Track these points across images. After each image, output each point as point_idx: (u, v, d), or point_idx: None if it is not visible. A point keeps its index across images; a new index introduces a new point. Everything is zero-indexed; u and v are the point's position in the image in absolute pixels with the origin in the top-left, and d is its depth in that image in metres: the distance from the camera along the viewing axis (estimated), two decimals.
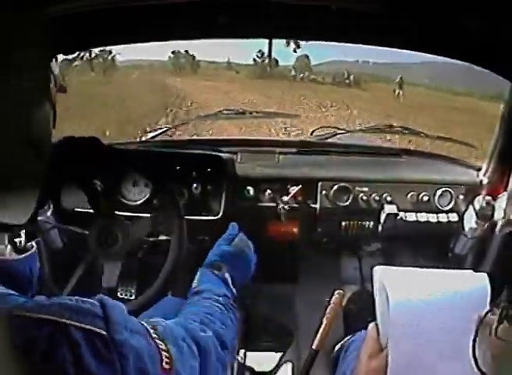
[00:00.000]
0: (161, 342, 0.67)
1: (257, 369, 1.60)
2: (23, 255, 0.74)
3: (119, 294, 1.73)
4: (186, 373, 0.71)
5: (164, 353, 0.66)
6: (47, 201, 1.42)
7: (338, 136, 1.83)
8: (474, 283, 0.86)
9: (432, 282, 0.87)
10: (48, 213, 1.42)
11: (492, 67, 1.21)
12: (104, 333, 0.56)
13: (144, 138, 1.90)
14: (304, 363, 1.09)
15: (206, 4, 1.03)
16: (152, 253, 1.34)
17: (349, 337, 1.31)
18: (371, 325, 0.91)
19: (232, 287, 1.05)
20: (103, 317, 0.58)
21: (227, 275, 1.06)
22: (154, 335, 0.67)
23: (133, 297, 1.73)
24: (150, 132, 1.91)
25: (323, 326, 1.15)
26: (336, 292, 1.33)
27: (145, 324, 0.68)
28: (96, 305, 0.59)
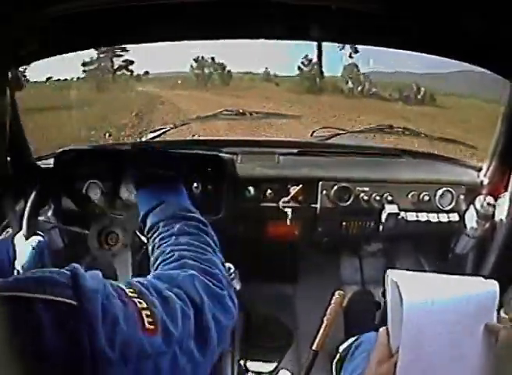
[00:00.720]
0: (140, 300, 0.62)
1: (257, 369, 1.60)
2: None
3: None
4: (179, 329, 0.64)
5: (144, 312, 0.60)
6: (48, 201, 1.43)
7: (338, 136, 1.83)
8: (485, 290, 0.86)
9: (446, 287, 0.87)
10: (49, 213, 1.42)
11: (492, 67, 1.21)
12: (74, 302, 0.53)
13: (144, 138, 1.90)
14: (304, 364, 1.09)
15: (206, 4, 1.03)
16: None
17: (355, 338, 1.30)
18: (382, 330, 0.91)
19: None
20: (72, 286, 0.54)
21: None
22: (130, 294, 0.62)
23: None
24: (150, 132, 1.91)
25: (323, 326, 1.15)
26: (337, 293, 1.33)
27: (120, 285, 0.64)
28: (66, 275, 0.56)
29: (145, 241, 1.21)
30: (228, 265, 1.52)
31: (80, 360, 0.51)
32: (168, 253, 0.82)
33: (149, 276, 0.74)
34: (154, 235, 0.90)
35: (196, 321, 0.67)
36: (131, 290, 0.63)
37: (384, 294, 0.91)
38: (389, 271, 0.90)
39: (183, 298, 0.68)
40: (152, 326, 0.59)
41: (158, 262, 0.83)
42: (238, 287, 1.59)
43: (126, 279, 0.69)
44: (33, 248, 1.10)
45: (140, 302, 0.61)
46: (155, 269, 0.82)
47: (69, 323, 0.51)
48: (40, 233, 1.16)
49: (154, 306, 0.62)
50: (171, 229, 0.88)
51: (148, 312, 0.60)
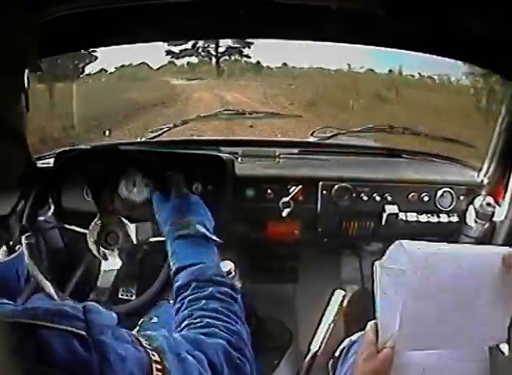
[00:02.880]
0: (154, 353, 0.63)
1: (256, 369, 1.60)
2: (8, 258, 0.73)
3: (119, 294, 1.73)
4: None
5: (155, 365, 0.61)
6: (47, 201, 1.43)
7: (338, 136, 1.83)
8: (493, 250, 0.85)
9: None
10: (49, 213, 1.42)
11: (492, 67, 1.21)
12: (84, 333, 0.55)
13: (144, 138, 1.90)
14: (304, 364, 1.09)
15: (205, 4, 1.03)
16: (152, 253, 1.34)
17: (348, 339, 1.30)
18: (370, 324, 0.88)
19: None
20: (84, 319, 0.56)
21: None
22: (145, 345, 0.64)
23: (133, 297, 1.73)
24: (151, 132, 1.91)
25: (323, 326, 1.15)
26: (337, 292, 1.33)
27: (135, 334, 0.65)
28: (78, 309, 0.58)
29: (144, 244, 1.22)
30: (228, 264, 1.52)
31: None
32: (196, 317, 0.82)
33: (174, 334, 0.74)
34: (184, 294, 0.89)
35: None
36: (147, 342, 0.64)
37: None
38: (376, 262, 0.89)
39: (203, 363, 0.69)
40: None
41: (185, 324, 0.82)
42: (239, 285, 1.59)
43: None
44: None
45: (153, 355, 0.62)
46: (180, 330, 0.81)
47: (80, 352, 0.53)
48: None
49: (167, 363, 0.63)
50: (202, 292, 0.87)
51: (159, 367, 0.61)
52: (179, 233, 1.00)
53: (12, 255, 0.69)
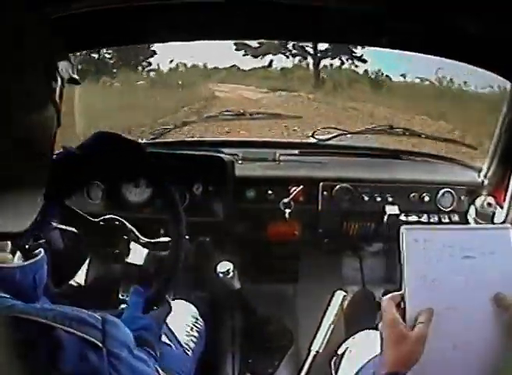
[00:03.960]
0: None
1: (257, 369, 1.60)
2: (26, 263, 0.72)
3: (120, 294, 1.73)
4: None
5: None
6: (50, 202, 1.43)
7: (339, 137, 1.83)
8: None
9: None
10: (50, 214, 1.42)
11: (492, 67, 1.21)
12: (99, 344, 0.54)
13: (145, 140, 1.91)
14: (304, 364, 1.09)
15: (205, 4, 1.04)
16: (153, 254, 1.34)
17: (352, 337, 1.29)
18: (387, 302, 0.78)
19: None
20: (101, 330, 0.56)
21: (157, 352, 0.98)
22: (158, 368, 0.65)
23: None
24: (151, 133, 1.91)
25: (323, 327, 1.15)
26: (338, 293, 1.33)
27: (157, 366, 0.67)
28: (97, 319, 0.57)
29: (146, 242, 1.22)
30: (226, 264, 1.52)
31: None
32: None
33: None
34: None
35: None
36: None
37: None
38: (403, 227, 0.81)
39: None
40: None
41: None
42: (238, 286, 1.60)
43: None
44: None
45: None
46: None
47: (94, 359, 0.53)
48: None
49: None
50: None
51: None
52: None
53: (31, 261, 0.68)
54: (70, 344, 0.52)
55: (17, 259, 0.75)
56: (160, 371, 0.66)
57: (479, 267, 0.79)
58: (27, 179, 0.60)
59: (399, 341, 0.74)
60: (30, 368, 0.50)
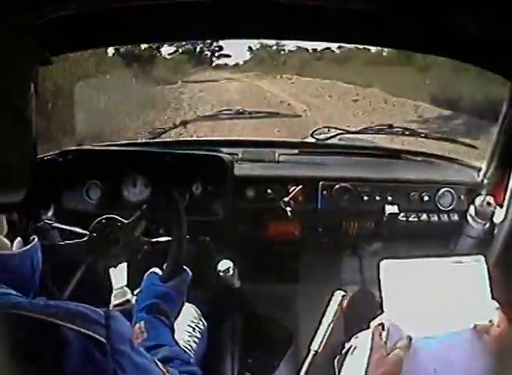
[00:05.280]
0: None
1: (256, 369, 1.60)
2: (23, 249, 0.72)
3: None
4: None
5: None
6: (49, 201, 1.43)
7: (339, 136, 1.83)
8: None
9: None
10: (50, 214, 1.42)
11: (492, 67, 1.21)
12: (103, 339, 0.54)
13: (144, 139, 1.90)
14: (303, 364, 1.09)
15: (205, 4, 1.03)
16: (152, 254, 1.34)
17: (355, 336, 1.29)
18: (375, 326, 0.88)
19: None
20: (104, 325, 0.56)
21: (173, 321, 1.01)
22: (161, 367, 0.65)
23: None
24: (150, 132, 1.91)
25: (323, 327, 1.15)
26: (337, 293, 1.33)
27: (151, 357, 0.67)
28: (100, 314, 0.58)
29: (144, 245, 1.23)
30: (226, 263, 1.52)
31: None
32: None
33: None
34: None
35: None
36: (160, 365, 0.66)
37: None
38: (382, 261, 0.89)
39: None
40: None
41: None
42: (238, 284, 1.60)
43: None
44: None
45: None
46: None
47: (97, 357, 0.53)
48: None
49: None
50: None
51: None
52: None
53: (28, 246, 0.68)
54: (74, 342, 0.52)
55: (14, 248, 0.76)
56: (160, 365, 0.66)
57: (455, 296, 0.86)
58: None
59: (378, 363, 0.82)
60: (35, 367, 0.50)
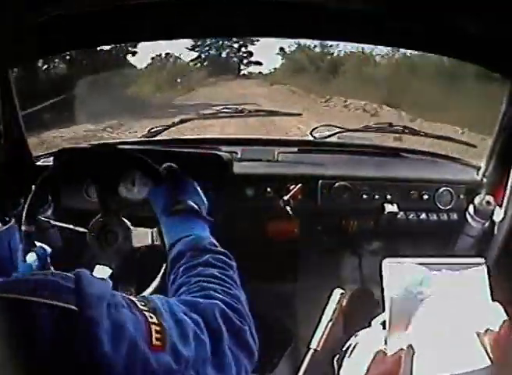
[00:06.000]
0: (151, 315, 0.60)
1: (256, 368, 1.60)
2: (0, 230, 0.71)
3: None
4: (191, 352, 0.61)
5: (154, 327, 0.58)
6: (47, 200, 1.43)
7: (338, 135, 1.83)
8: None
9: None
10: (48, 213, 1.42)
11: (492, 67, 1.21)
12: (74, 307, 0.51)
13: (143, 138, 1.90)
14: (302, 363, 1.09)
15: (205, 3, 1.03)
16: (151, 252, 1.34)
17: (355, 335, 1.30)
18: (375, 326, 0.90)
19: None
20: (74, 290, 0.53)
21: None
22: (142, 307, 0.60)
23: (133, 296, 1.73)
24: (149, 131, 1.90)
25: (322, 325, 1.15)
26: (336, 291, 1.33)
27: (131, 297, 0.62)
28: (70, 279, 0.54)
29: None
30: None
31: (78, 367, 0.50)
32: (193, 283, 0.81)
33: (170, 299, 0.72)
34: (180, 263, 0.89)
35: (213, 349, 0.66)
36: (143, 303, 0.62)
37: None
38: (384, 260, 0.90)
39: (200, 325, 0.67)
40: (159, 343, 0.57)
41: (182, 290, 0.81)
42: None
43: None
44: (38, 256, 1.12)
45: (151, 317, 0.60)
46: (177, 297, 0.80)
47: (67, 329, 0.50)
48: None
49: (165, 323, 0.61)
50: (198, 260, 0.88)
51: (158, 328, 0.59)
52: (171, 209, 1.03)
53: (3, 228, 0.67)
54: (44, 316, 0.49)
55: None
56: (138, 303, 0.61)
57: (456, 298, 0.87)
58: None
59: (379, 361, 0.86)
60: (8, 351, 0.48)
